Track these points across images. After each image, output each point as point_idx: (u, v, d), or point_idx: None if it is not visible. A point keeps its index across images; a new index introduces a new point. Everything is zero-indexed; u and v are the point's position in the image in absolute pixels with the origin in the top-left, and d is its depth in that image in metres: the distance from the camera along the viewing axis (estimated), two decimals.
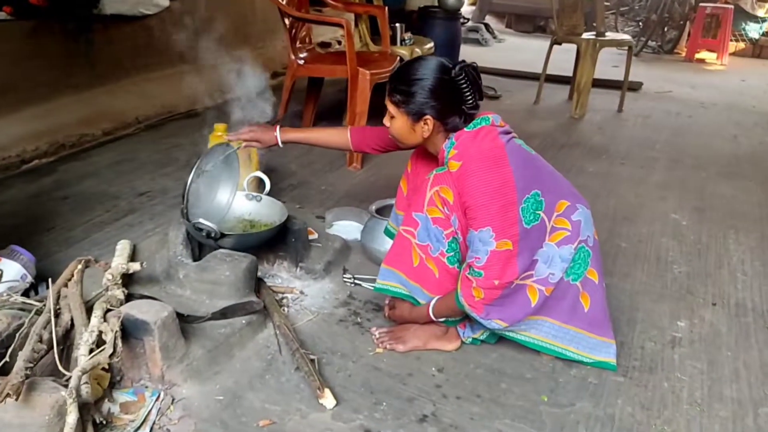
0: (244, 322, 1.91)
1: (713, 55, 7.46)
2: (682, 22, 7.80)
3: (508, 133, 1.84)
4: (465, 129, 1.81)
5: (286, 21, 3.28)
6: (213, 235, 2.01)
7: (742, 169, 3.77)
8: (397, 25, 3.75)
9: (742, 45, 7.86)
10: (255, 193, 2.35)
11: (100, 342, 1.59)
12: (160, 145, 3.56)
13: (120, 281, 1.87)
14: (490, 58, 6.53)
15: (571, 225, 1.84)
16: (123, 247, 2.15)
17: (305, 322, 2.06)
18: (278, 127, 2.21)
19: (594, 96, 4.81)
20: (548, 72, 5.59)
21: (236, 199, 2.34)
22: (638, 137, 4.26)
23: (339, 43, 7.27)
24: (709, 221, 3.04)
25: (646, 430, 1.70)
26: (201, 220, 1.99)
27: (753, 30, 7.79)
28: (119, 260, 2.05)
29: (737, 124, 4.71)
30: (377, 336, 1.97)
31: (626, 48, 4.82)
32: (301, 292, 2.21)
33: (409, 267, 1.87)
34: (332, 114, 4.18)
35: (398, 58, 3.59)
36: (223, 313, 1.89)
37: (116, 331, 1.58)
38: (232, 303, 1.92)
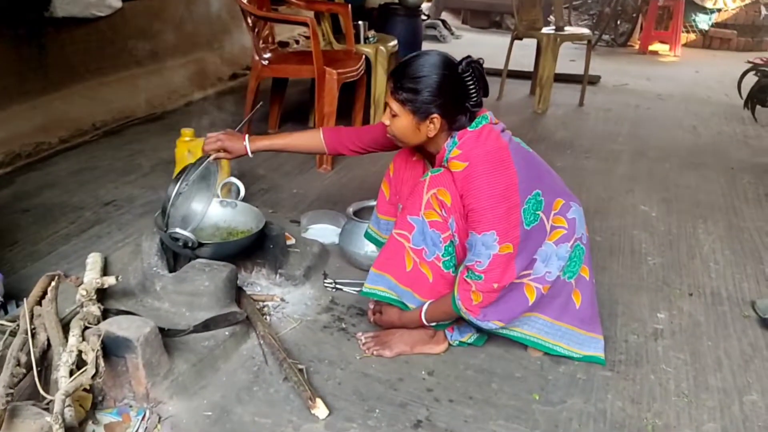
0: (227, 333, 1.85)
1: (666, 47, 7.63)
2: (634, 15, 7.95)
3: (503, 131, 1.82)
4: (467, 128, 1.78)
5: (249, 20, 3.20)
6: (190, 244, 1.95)
7: (703, 159, 3.86)
8: (360, 23, 3.71)
9: (693, 36, 8.06)
10: (230, 200, 2.29)
11: (80, 362, 1.52)
12: (121, 152, 3.45)
13: (95, 296, 1.80)
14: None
15: (567, 223, 1.84)
16: (94, 261, 2.06)
17: (289, 330, 2.01)
18: (246, 136, 2.09)
19: (554, 90, 4.85)
20: (509, 67, 5.69)
21: (211, 207, 2.27)
22: (601, 130, 4.33)
23: (297, 42, 7.20)
24: (677, 212, 3.09)
25: (637, 423, 1.71)
26: (178, 230, 1.92)
27: (702, 21, 8.00)
28: (92, 274, 1.97)
29: (695, 115, 4.82)
30: (363, 341, 1.94)
31: (585, 42, 4.89)
32: (282, 300, 2.16)
33: (401, 271, 1.84)
34: (298, 115, 4.12)
35: (363, 57, 3.55)
36: (206, 326, 1.83)
37: (97, 351, 1.51)
38: (214, 314, 1.87)
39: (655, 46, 7.69)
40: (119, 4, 4.09)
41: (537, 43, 4.95)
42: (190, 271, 1.92)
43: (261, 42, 3.32)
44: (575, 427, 1.68)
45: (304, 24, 3.03)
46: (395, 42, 3.98)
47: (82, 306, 1.76)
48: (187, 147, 2.62)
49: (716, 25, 8.05)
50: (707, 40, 8.09)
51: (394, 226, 1.89)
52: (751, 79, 4.13)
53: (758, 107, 4.25)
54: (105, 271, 2.08)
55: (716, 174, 3.63)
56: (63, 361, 1.50)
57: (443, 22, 7.91)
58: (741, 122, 4.69)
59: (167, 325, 1.82)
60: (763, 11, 7.98)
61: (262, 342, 1.90)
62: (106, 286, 1.82)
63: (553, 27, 4.79)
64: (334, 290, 2.24)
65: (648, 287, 2.40)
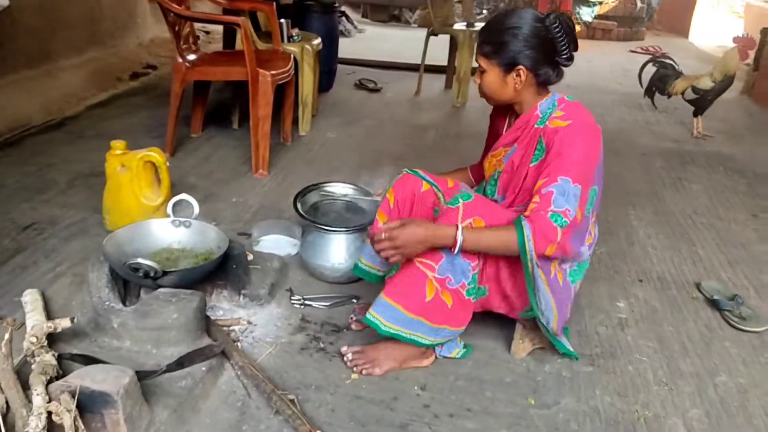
0: (204, 369, 1.70)
1: None
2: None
3: None
4: (566, 97, 1.80)
5: (169, 19, 2.98)
6: (153, 274, 1.77)
7: (618, 147, 4.04)
8: (283, 21, 3.56)
9: (578, 28, 8.46)
10: (183, 219, 2.11)
11: (50, 424, 1.34)
12: (27, 166, 3.11)
13: (45, 343, 1.60)
14: (357, 49, 6.46)
15: (594, 235, 1.91)
16: (34, 299, 1.84)
17: (265, 356, 1.89)
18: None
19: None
20: (416, 62, 5.70)
21: (161, 227, 2.09)
22: None
23: (198, 38, 6.84)
24: (608, 199, 3.20)
25: (629, 417, 1.75)
26: (139, 259, 1.74)
27: (586, 14, 8.42)
28: (37, 316, 1.75)
29: (600, 104, 5.05)
30: (350, 359, 1.84)
31: None
32: (249, 322, 2.03)
33: (417, 302, 1.72)
34: (220, 116, 3.90)
35: (291, 56, 3.42)
36: (180, 363, 1.66)
37: (74, 411, 1.33)
38: (185, 349, 1.71)
39: None
40: (6, 3, 3.68)
41: (450, 38, 5.01)
42: (153, 303, 1.75)
43: (182, 42, 3.09)
44: (574, 429, 1.70)
45: (235, 24, 2.85)
46: (319, 40, 3.87)
47: (33, 355, 1.56)
48: (120, 161, 2.39)
49: (598, 17, 8.51)
50: (591, 32, 8.53)
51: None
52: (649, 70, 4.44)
53: (657, 95, 4.53)
54: (46, 310, 1.86)
55: (631, 160, 3.82)
56: (32, 427, 1.31)
57: (345, 15, 7.83)
58: (640, 109, 4.97)
59: (133, 366, 1.63)
60: (639, 3, 8.52)
61: (240, 374, 1.77)
62: (59, 329, 1.62)
63: (465, 23, 4.85)
64: (302, 307, 2.13)
65: (602, 277, 2.47)
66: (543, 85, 1.81)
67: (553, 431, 1.68)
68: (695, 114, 4.29)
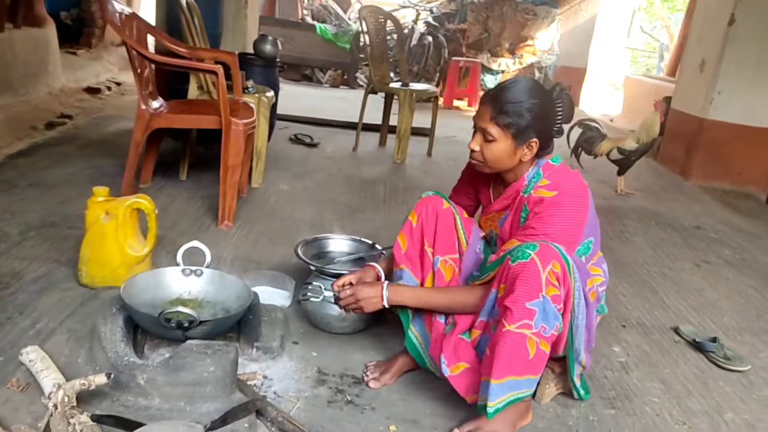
0: (246, 425, 1.57)
1: (464, 103, 8.38)
2: (438, 74, 8.65)
3: None
4: (549, 161, 1.84)
5: (136, 64, 2.84)
6: (187, 324, 1.63)
7: None
8: (241, 72, 3.50)
9: (480, 93, 8.99)
10: (194, 267, 1.97)
11: None
12: None
13: (75, 402, 1.41)
14: (281, 105, 6.44)
15: (603, 273, 1.94)
16: (41, 356, 1.63)
17: (294, 410, 1.77)
18: (386, 283, 1.87)
19: (391, 140, 5.06)
20: (340, 119, 5.90)
21: (171, 276, 1.93)
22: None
23: (109, 89, 6.56)
24: None
25: None
26: (180, 308, 1.60)
27: (490, 81, 8.97)
28: (53, 374, 1.55)
29: None
30: None
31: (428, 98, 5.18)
32: (265, 377, 1.90)
33: (522, 365, 1.66)
34: (164, 168, 3.72)
35: (253, 107, 3.35)
36: (224, 420, 1.53)
37: None
38: (226, 405, 1.57)
39: (456, 102, 8.41)
40: None
41: (385, 96, 5.13)
42: (188, 356, 1.60)
43: (143, 88, 2.95)
44: None
45: (213, 72, 2.76)
46: (272, 93, 3.84)
47: (65, 417, 1.38)
48: (104, 208, 2.21)
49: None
50: None
51: (502, 317, 1.67)
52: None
53: (583, 156, 4.85)
54: None
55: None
56: None
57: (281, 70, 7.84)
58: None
59: None
60: (537, 73, 9.20)
61: (275, 430, 1.64)
62: (92, 387, 1.44)
63: (399, 82, 5.01)
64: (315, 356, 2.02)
65: None
66: (540, 156, 1.86)
67: None
68: (619, 173, 4.62)
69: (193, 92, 3.58)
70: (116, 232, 2.22)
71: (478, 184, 2.05)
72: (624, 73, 11.80)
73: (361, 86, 9.31)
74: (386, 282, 1.87)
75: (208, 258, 1.97)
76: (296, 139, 5.10)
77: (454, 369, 1.78)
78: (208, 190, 3.55)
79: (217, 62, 3.15)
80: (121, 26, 2.88)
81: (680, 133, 5.38)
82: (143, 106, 2.91)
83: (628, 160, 4.53)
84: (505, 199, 1.90)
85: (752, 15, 4.81)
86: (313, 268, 2.19)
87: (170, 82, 3.93)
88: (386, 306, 1.83)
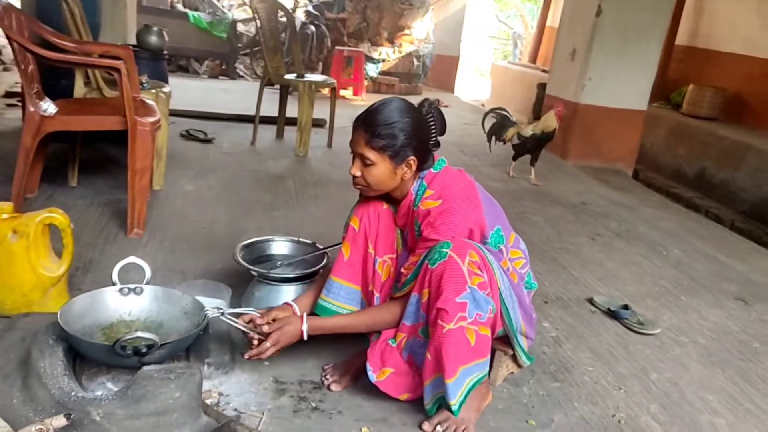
0: None
1: (350, 92, 8.39)
2: (321, 64, 8.58)
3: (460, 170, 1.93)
4: (431, 170, 1.85)
5: (19, 59, 2.58)
6: (144, 350, 1.52)
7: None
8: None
9: (366, 82, 9.02)
10: (133, 285, 1.84)
11: None
12: None
13: None
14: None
15: (522, 253, 2.00)
16: None
17: (261, 425, 1.72)
18: (304, 316, 1.86)
19: (291, 133, 4.99)
20: (229, 112, 5.73)
21: (107, 297, 1.79)
22: None
23: None
24: None
25: (611, 421, 1.93)
26: (139, 333, 1.49)
27: (372, 69, 9.01)
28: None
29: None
30: (439, 431, 1.75)
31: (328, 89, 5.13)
32: (221, 394, 1.82)
33: (467, 353, 1.71)
34: (51, 174, 3.41)
35: (154, 105, 3.16)
36: None
37: None
38: (200, 431, 1.50)
39: (343, 92, 8.39)
40: None
41: (281, 88, 5.03)
42: (148, 384, 1.50)
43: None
44: None
45: (115, 69, 2.57)
46: (170, 88, 3.64)
47: None
48: (10, 226, 2.00)
49: (382, 72, 9.18)
50: (376, 86, 9.14)
51: (438, 319, 1.71)
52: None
53: (494, 141, 4.92)
54: None
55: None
56: None
57: (169, 62, 7.39)
58: (458, 155, 5.46)
59: None
60: (416, 62, 9.39)
61: None
62: (51, 431, 1.32)
63: (294, 74, 4.92)
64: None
65: None
66: (420, 171, 1.89)
67: None
68: (514, 158, 4.82)
69: (79, 90, 3.31)
70: (27, 251, 2.02)
71: (382, 215, 2.05)
72: (490, 61, 12.39)
73: (242, 77, 9.04)
74: (305, 315, 1.87)
75: (148, 273, 1.85)
76: (189, 135, 4.87)
77: (380, 375, 1.83)
78: (105, 195, 3.32)
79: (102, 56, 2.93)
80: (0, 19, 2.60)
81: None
82: (32, 108, 2.65)
83: (523, 146, 4.74)
84: (402, 217, 1.95)
85: (616, 6, 5.21)
86: (255, 273, 2.12)
87: (44, 78, 3.60)
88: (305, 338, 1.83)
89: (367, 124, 1.78)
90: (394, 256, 1.99)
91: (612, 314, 2.64)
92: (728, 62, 6.33)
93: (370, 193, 1.88)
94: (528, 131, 4.69)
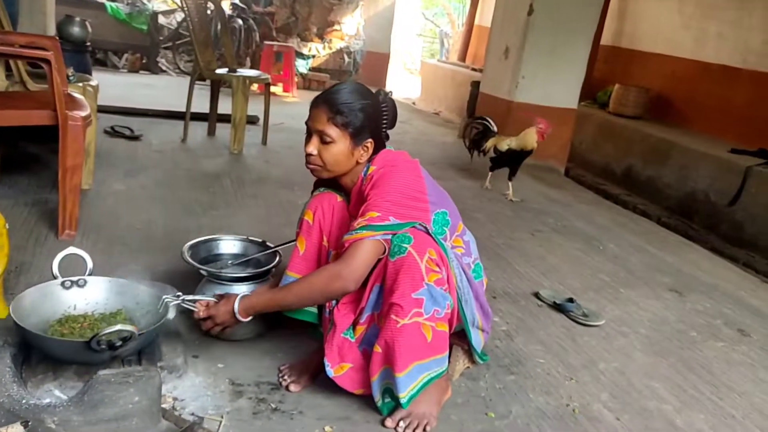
0: None
1: (280, 88, 8.25)
2: (250, 60, 8.40)
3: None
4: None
5: None
6: (119, 344, 1.44)
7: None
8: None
9: (296, 79, 8.90)
10: (75, 277, 1.73)
11: None
12: None
13: None
14: None
15: (464, 244, 2.02)
16: None
17: (221, 429, 1.65)
18: (237, 296, 1.85)
19: (223, 130, 4.86)
20: (154, 108, 5.55)
21: (44, 292, 1.68)
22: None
23: None
24: None
25: (566, 411, 1.98)
26: (119, 326, 1.41)
27: (301, 66, 8.92)
28: None
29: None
30: (404, 427, 1.73)
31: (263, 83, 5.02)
32: (175, 398, 1.74)
33: (422, 349, 1.71)
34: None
35: (80, 100, 2.99)
36: None
37: None
38: None
39: (273, 88, 8.24)
40: None
41: (212, 84, 4.89)
42: (106, 389, 1.41)
43: None
44: (536, 431, 1.85)
45: (43, 60, 2.41)
46: (97, 82, 3.46)
47: None
48: None
49: (312, 69, 9.10)
50: (307, 82, 9.05)
51: (392, 313, 1.69)
52: None
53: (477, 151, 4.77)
54: None
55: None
56: None
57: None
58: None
59: None
60: (346, 58, 9.36)
61: None
62: None
63: (226, 68, 4.80)
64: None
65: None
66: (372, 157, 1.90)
67: None
68: (491, 169, 4.62)
69: (1, 83, 3.10)
70: None
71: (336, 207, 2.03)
72: (419, 59, 12.49)
73: (165, 71, 8.73)
74: (238, 295, 1.85)
75: (90, 265, 1.75)
76: (114, 132, 4.66)
77: (338, 370, 1.80)
78: (30, 195, 3.13)
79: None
80: None
81: (491, 115, 5.80)
82: None
83: (499, 160, 4.51)
84: (354, 206, 1.90)
85: (547, 5, 5.35)
86: (205, 273, 2.04)
87: None
88: (240, 318, 1.83)
89: (330, 102, 1.79)
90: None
91: (558, 307, 2.70)
92: (652, 62, 6.60)
93: (324, 174, 1.87)
94: (504, 145, 4.46)
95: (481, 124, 4.75)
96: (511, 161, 4.48)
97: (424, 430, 1.74)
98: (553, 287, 2.95)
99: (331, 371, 1.78)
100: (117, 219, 3.03)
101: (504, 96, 5.66)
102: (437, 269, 1.73)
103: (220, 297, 1.89)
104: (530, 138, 4.36)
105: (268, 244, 2.21)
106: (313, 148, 1.82)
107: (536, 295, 2.83)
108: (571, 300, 2.71)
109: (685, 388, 2.22)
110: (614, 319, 2.70)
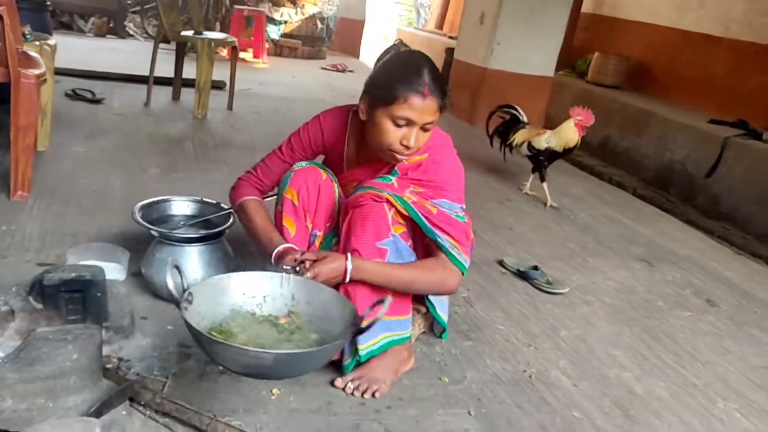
0: (124, 413, 1.39)
1: (250, 54, 8.08)
2: (218, 23, 8.19)
3: None
4: None
5: None
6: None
7: None
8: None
9: (266, 45, 8.72)
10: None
11: None
12: None
13: None
14: None
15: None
16: None
17: (165, 389, 1.60)
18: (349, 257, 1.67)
19: (189, 95, 4.72)
20: (118, 71, 5.35)
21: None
22: (272, 132, 4.35)
23: None
24: None
25: (522, 377, 1.96)
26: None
27: (273, 31, 8.72)
28: None
29: None
30: (352, 387, 1.71)
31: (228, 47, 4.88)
32: (120, 359, 1.69)
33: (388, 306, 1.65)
34: None
35: (36, 58, 2.87)
36: (99, 411, 1.34)
37: None
38: (92, 396, 1.37)
39: (242, 54, 8.07)
40: None
41: (177, 46, 4.75)
42: (43, 346, 1.35)
43: None
44: (490, 396, 1.83)
45: None
46: (55, 41, 3.33)
47: None
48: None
49: (284, 35, 8.90)
50: (278, 48, 8.85)
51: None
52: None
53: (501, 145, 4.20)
54: None
55: None
56: None
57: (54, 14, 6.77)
58: None
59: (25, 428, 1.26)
60: (319, 24, 9.18)
61: (152, 414, 1.48)
62: None
63: (191, 31, 4.66)
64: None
65: None
66: None
67: (476, 402, 1.79)
68: (533, 171, 3.94)
69: None
70: None
71: (319, 149, 1.95)
72: (395, 27, 12.32)
73: (132, 35, 8.48)
74: (349, 254, 1.67)
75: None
76: (75, 95, 4.51)
77: None
78: None
79: None
80: None
81: (466, 82, 5.76)
82: None
83: (536, 159, 3.86)
84: (379, 168, 1.81)
85: None
86: (155, 234, 1.97)
87: None
88: (351, 276, 1.65)
89: (442, 90, 1.65)
90: (330, 224, 1.90)
91: (522, 275, 2.68)
92: (632, 30, 6.50)
93: (404, 158, 1.72)
94: (542, 142, 3.80)
95: (508, 113, 4.14)
96: (549, 160, 3.85)
97: (373, 395, 1.71)
98: (519, 256, 2.92)
99: None
100: (73, 181, 2.94)
101: (478, 63, 5.59)
102: (402, 222, 1.70)
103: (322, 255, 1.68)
104: (570, 133, 3.74)
105: (222, 205, 2.14)
106: (416, 140, 1.65)
107: (500, 263, 2.80)
108: (535, 268, 2.69)
109: (648, 356, 2.22)
110: (579, 288, 2.68)
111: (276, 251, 1.68)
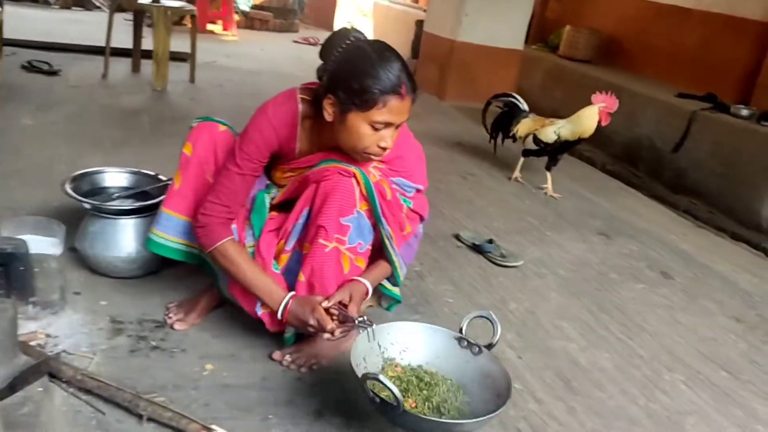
0: (40, 390, 1.34)
1: (219, 27, 7.91)
2: None
3: None
4: None
5: None
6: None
7: None
8: None
9: (236, 17, 8.54)
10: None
11: None
12: None
13: None
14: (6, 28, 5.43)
15: None
16: None
17: (92, 365, 1.55)
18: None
19: (150, 66, 4.60)
20: (79, 43, 5.20)
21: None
22: (234, 105, 4.26)
23: None
24: None
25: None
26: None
27: (242, 3, 8.54)
28: None
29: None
30: (290, 360, 1.68)
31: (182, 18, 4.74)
32: (48, 335, 1.64)
33: (338, 279, 1.64)
34: None
35: None
36: (12, 387, 1.29)
37: None
38: (7, 371, 1.32)
39: (210, 26, 7.90)
40: None
41: (134, 17, 4.61)
42: None
43: None
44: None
45: None
46: (2, 9, 3.20)
47: None
48: None
49: (255, 7, 8.73)
50: (249, 21, 8.69)
51: (319, 237, 1.61)
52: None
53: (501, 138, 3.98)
54: None
55: None
56: None
57: None
58: None
59: None
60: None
61: (73, 390, 1.43)
62: None
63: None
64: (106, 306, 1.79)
65: None
66: None
67: None
68: (524, 154, 3.70)
69: None
70: None
71: (274, 149, 1.75)
72: (371, 0, 12.11)
73: (98, 7, 8.25)
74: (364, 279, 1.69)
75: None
76: (31, 67, 4.38)
77: (264, 307, 1.66)
78: None
79: None
80: None
81: (434, 55, 5.69)
82: None
83: (543, 152, 3.59)
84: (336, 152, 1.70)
85: None
86: (87, 206, 1.90)
87: None
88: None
89: (412, 84, 1.55)
90: None
91: (477, 248, 2.65)
92: (604, 3, 6.42)
93: (376, 157, 1.62)
94: (551, 134, 3.48)
95: (505, 103, 3.86)
96: (560, 150, 3.57)
97: (310, 368, 1.67)
98: (477, 230, 2.89)
99: (260, 309, 1.67)
100: (18, 154, 2.85)
101: (447, 35, 5.51)
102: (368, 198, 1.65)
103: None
104: (589, 121, 3.42)
105: (160, 177, 2.07)
106: (392, 140, 1.57)
107: (456, 236, 2.77)
108: (490, 241, 2.67)
109: (595, 328, 2.21)
110: (534, 261, 2.66)
111: (283, 305, 1.60)
